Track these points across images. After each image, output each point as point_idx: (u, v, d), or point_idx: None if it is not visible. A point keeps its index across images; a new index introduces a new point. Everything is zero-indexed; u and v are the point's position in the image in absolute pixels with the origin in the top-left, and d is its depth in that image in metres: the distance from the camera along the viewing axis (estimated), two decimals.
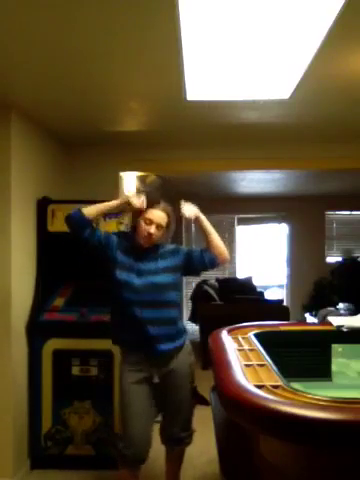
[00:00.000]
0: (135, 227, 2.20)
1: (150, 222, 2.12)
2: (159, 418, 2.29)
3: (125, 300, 2.10)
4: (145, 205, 2.16)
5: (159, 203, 2.18)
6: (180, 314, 2.34)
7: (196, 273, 2.31)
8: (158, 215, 2.14)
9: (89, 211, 2.14)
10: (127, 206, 2.20)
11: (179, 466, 2.35)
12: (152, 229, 2.11)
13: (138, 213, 2.18)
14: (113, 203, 2.21)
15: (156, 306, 2.10)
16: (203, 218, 2.25)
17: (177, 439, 2.26)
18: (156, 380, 2.13)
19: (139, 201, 2.14)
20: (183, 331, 2.23)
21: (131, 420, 2.11)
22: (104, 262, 2.18)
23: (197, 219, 2.24)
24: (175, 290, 2.19)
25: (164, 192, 2.26)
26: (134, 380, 2.12)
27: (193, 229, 7.26)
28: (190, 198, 2.28)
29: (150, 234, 2.12)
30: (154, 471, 2.62)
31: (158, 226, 2.13)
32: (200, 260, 2.21)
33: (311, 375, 2.09)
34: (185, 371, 2.20)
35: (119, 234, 2.31)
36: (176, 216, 2.22)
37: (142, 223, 2.14)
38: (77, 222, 2.13)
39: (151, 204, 2.17)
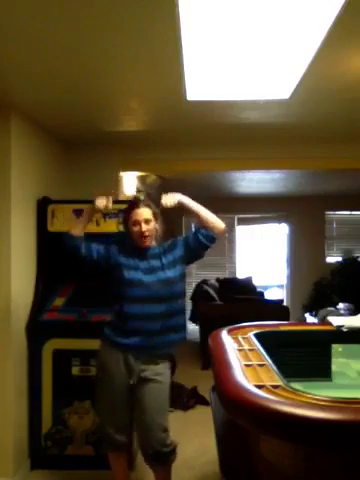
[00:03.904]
0: (129, 234, 2.21)
1: (137, 222, 2.13)
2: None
3: (133, 297, 2.11)
4: (110, 205, 2.22)
5: (138, 204, 2.16)
6: (184, 305, 2.32)
7: (199, 255, 2.27)
8: (142, 212, 2.14)
9: (74, 230, 2.24)
10: (93, 208, 2.25)
11: None
12: (143, 227, 2.13)
13: (127, 219, 2.18)
14: (87, 210, 2.27)
15: (164, 301, 2.12)
16: (187, 201, 2.23)
17: (159, 456, 2.12)
18: (143, 375, 2.12)
19: (103, 203, 2.21)
20: (184, 326, 2.25)
21: (114, 408, 2.17)
22: (110, 272, 2.19)
23: (181, 204, 2.21)
24: (181, 281, 2.21)
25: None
26: (118, 380, 2.15)
27: (193, 229, 7.25)
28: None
29: (143, 233, 2.13)
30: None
31: (146, 221, 2.14)
32: (196, 241, 2.20)
33: (311, 375, 2.09)
34: (166, 380, 2.17)
35: (118, 238, 2.33)
36: (161, 209, 2.21)
37: (131, 228, 2.16)
38: (70, 243, 2.21)
39: (133, 206, 2.17)
